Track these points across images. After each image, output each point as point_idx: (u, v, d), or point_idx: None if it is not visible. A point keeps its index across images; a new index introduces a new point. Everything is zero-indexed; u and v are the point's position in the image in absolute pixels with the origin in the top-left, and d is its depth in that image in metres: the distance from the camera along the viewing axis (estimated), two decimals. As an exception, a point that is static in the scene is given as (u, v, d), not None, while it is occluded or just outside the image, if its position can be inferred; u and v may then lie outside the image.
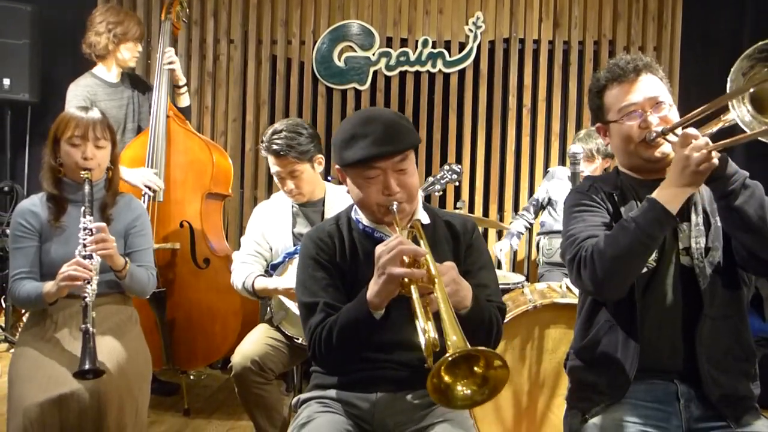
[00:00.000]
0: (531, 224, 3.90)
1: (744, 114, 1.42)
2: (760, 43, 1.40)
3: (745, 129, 1.41)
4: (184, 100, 3.47)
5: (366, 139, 1.57)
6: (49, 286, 2.09)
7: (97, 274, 2.07)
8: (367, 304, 1.49)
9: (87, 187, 2.16)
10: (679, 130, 1.56)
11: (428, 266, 1.43)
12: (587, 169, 3.42)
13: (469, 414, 1.76)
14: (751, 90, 1.41)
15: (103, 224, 2.12)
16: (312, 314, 1.63)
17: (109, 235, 2.11)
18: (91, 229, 2.09)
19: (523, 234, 3.87)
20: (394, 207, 1.60)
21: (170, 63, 3.30)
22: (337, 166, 1.70)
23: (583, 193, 1.71)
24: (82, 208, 2.13)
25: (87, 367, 1.93)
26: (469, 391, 1.31)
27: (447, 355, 1.25)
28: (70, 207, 2.24)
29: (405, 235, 1.55)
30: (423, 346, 1.34)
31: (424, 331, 1.35)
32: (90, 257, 2.06)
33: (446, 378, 1.30)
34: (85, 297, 2.02)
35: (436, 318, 1.36)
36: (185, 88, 3.45)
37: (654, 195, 1.50)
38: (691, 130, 1.47)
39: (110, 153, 2.28)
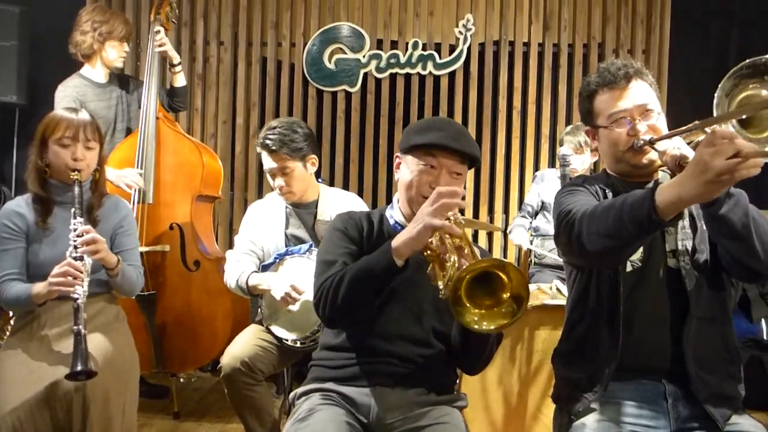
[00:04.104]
0: (530, 225, 3.88)
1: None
2: (742, 63, 1.40)
3: None
4: (180, 80, 3.48)
5: (441, 131, 1.71)
6: (39, 287, 2.07)
7: (88, 276, 2.06)
8: (391, 250, 1.52)
9: (77, 189, 2.15)
10: (668, 141, 1.57)
11: (464, 231, 1.47)
12: (577, 162, 3.43)
13: (462, 417, 1.77)
14: (743, 116, 1.40)
15: (89, 227, 2.12)
16: (328, 269, 1.66)
17: (98, 235, 2.11)
18: (81, 231, 2.08)
19: (527, 230, 3.84)
20: None
21: (161, 45, 3.30)
22: (397, 154, 1.80)
23: (575, 184, 1.73)
24: (72, 210, 2.12)
25: (79, 368, 1.92)
26: (484, 322, 1.37)
27: (468, 265, 1.32)
28: (56, 208, 2.23)
29: None
30: (446, 277, 1.37)
31: (454, 262, 1.37)
32: (81, 259, 2.05)
33: (465, 297, 1.35)
34: (77, 299, 2.00)
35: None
36: (180, 67, 3.45)
37: (659, 189, 1.32)
38: (722, 130, 1.24)
39: (98, 155, 2.27)
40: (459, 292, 1.34)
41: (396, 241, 1.52)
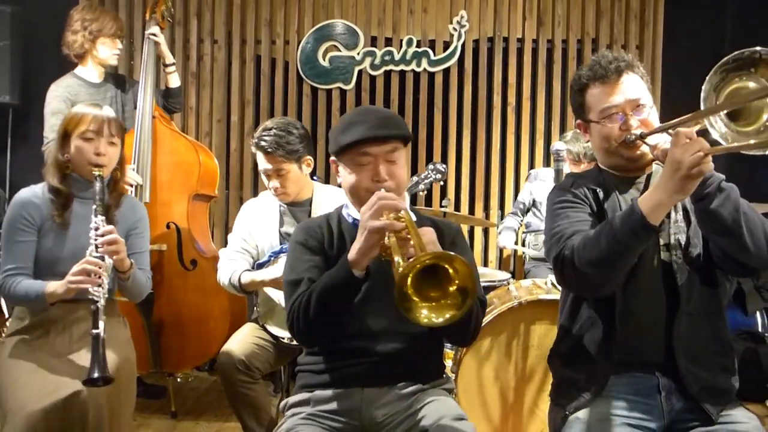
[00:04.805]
0: (521, 224, 3.94)
1: (720, 126, 1.43)
2: (727, 57, 1.41)
3: (720, 141, 1.41)
4: (174, 80, 3.48)
5: (361, 125, 1.68)
6: (54, 285, 2.00)
7: (108, 277, 2.01)
8: (348, 262, 1.54)
9: (98, 185, 2.09)
10: (659, 135, 1.58)
11: (408, 221, 1.49)
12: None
13: (453, 397, 1.80)
14: (732, 108, 1.41)
15: (112, 227, 2.06)
16: (295, 290, 1.67)
17: (119, 237, 2.06)
18: (103, 231, 2.02)
19: (516, 230, 3.90)
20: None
21: (154, 35, 3.31)
22: (332, 158, 1.77)
23: (566, 189, 1.72)
24: (93, 207, 2.06)
25: (96, 375, 1.88)
26: (433, 315, 1.37)
27: (414, 259, 1.32)
28: (75, 203, 2.16)
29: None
30: (396, 278, 1.36)
31: (398, 264, 1.39)
32: (102, 258, 2.00)
33: (412, 292, 1.35)
34: (97, 301, 1.95)
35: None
36: (173, 67, 3.46)
37: (640, 200, 1.45)
38: (686, 130, 1.40)
39: (119, 153, 2.22)
40: (405, 288, 1.34)
41: (351, 253, 1.54)
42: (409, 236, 1.46)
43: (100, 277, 1.97)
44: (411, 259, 1.35)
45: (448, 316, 1.37)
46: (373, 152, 1.67)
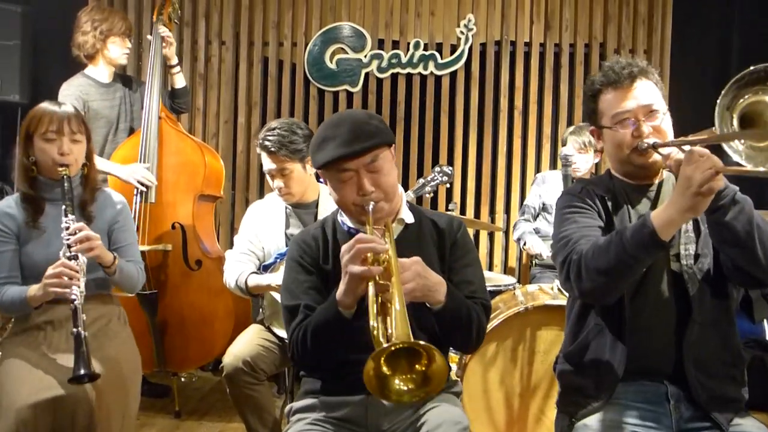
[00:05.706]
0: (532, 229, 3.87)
1: (736, 143, 1.41)
2: (737, 76, 1.39)
3: (734, 156, 1.39)
4: (179, 81, 3.48)
5: (334, 141, 1.59)
6: (34, 289, 2.01)
7: (84, 275, 2.01)
8: (337, 303, 1.51)
9: (66, 184, 2.09)
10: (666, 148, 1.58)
11: (388, 262, 1.45)
12: (581, 161, 3.42)
13: (459, 399, 1.79)
14: (742, 141, 1.40)
15: (82, 224, 2.06)
16: (293, 317, 1.65)
17: (92, 232, 2.05)
18: (73, 230, 2.02)
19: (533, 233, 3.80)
20: (370, 207, 1.61)
21: (171, 45, 3.32)
22: (317, 171, 1.73)
23: (575, 195, 1.72)
24: (63, 207, 2.06)
25: (81, 372, 1.88)
26: (405, 387, 1.35)
27: (387, 344, 1.29)
28: (47, 206, 2.16)
29: (370, 232, 1.56)
30: (366, 365, 1.33)
31: (373, 328, 1.37)
32: (75, 258, 2.00)
33: (385, 368, 1.32)
34: (74, 300, 1.95)
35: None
36: (178, 68, 3.46)
37: (653, 214, 1.44)
38: (698, 149, 1.40)
39: (85, 148, 2.21)
40: (375, 373, 1.32)
41: (338, 294, 1.51)
42: (388, 283, 1.42)
43: (72, 279, 1.96)
44: (377, 350, 1.31)
45: (410, 387, 1.35)
46: (353, 167, 1.60)
